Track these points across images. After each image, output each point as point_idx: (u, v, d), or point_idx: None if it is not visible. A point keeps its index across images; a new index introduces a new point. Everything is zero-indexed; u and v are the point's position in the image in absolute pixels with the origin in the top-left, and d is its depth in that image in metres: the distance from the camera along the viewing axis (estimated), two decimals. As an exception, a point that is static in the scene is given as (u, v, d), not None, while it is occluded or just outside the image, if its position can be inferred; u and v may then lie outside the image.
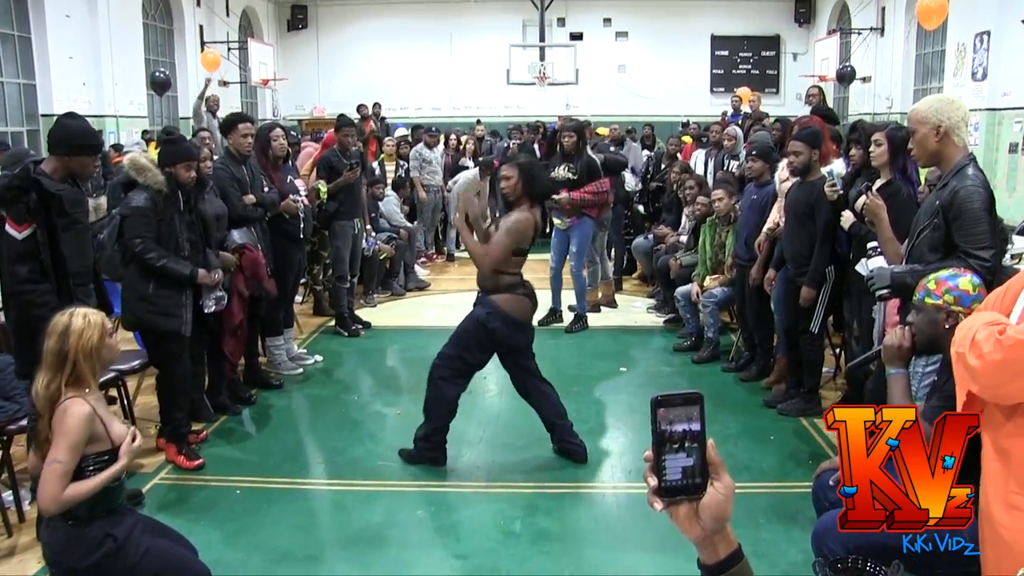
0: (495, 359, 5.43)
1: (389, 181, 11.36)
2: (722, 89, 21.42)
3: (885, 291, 4.05)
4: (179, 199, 5.36)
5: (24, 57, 13.45)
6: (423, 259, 12.38)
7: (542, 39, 20.85)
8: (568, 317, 8.87)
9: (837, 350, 7.00)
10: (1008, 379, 2.20)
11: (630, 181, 10.52)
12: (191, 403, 5.79)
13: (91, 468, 3.17)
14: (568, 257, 8.69)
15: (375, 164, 11.57)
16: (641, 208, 11.02)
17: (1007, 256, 5.68)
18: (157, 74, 15.86)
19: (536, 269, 9.74)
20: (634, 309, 9.67)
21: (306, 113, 22.09)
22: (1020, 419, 2.25)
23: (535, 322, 5.57)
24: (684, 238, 8.73)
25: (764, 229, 6.62)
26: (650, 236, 9.93)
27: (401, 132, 14.02)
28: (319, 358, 7.64)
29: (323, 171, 8.26)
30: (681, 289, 8.00)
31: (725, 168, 9.02)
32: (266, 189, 6.70)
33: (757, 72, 22.25)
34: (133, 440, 3.30)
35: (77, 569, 3.20)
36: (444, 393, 5.29)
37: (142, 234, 5.12)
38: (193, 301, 5.44)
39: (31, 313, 4.37)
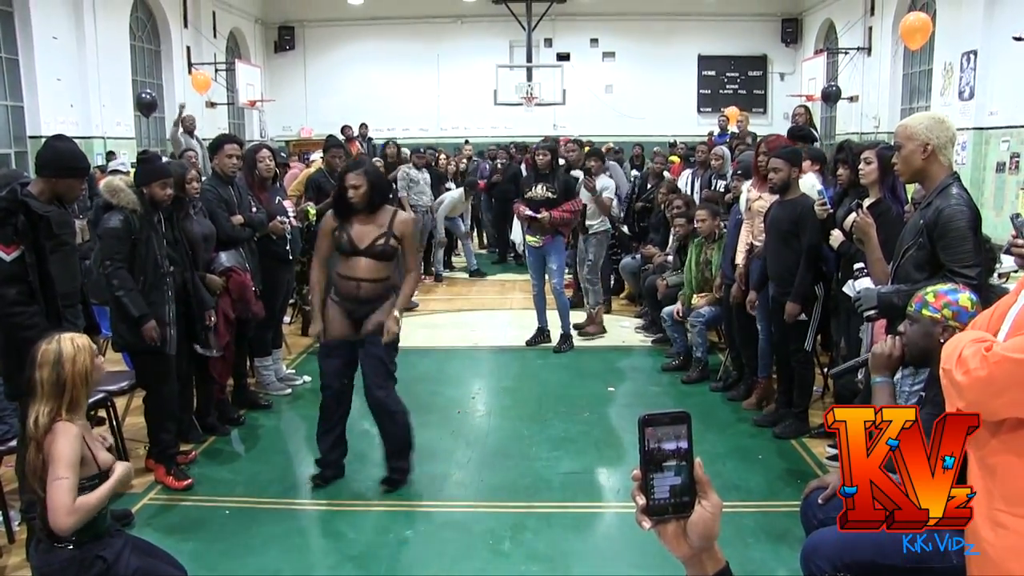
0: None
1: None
2: (709, 109, 21.55)
3: (872, 312, 4.07)
4: (157, 218, 5.37)
5: (11, 79, 13.46)
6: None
7: (529, 59, 20.98)
8: (555, 336, 8.87)
9: (825, 369, 7.00)
10: (994, 395, 2.21)
11: (613, 208, 10.42)
12: (180, 424, 5.78)
13: (84, 489, 3.17)
14: (548, 276, 8.73)
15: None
16: (626, 228, 11.00)
17: (994, 275, 5.68)
18: (143, 96, 15.88)
19: (526, 289, 9.79)
20: (622, 329, 9.67)
21: (293, 134, 22.11)
22: (1005, 436, 2.27)
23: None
24: (671, 258, 8.75)
25: (740, 248, 6.66)
26: (637, 256, 9.94)
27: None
28: (308, 378, 7.61)
29: (311, 192, 8.27)
30: (667, 309, 8.03)
31: (712, 188, 9.05)
32: (254, 209, 6.71)
33: (744, 92, 22.41)
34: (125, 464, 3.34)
35: (68, 591, 3.19)
36: (406, 417, 5.37)
37: (112, 256, 5.11)
38: (182, 323, 5.44)
39: (20, 335, 4.35)
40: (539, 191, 8.33)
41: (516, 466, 5.75)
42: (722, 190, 8.42)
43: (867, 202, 5.14)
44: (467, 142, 18.05)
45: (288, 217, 7.09)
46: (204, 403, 6.31)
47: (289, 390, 7.39)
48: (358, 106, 20.51)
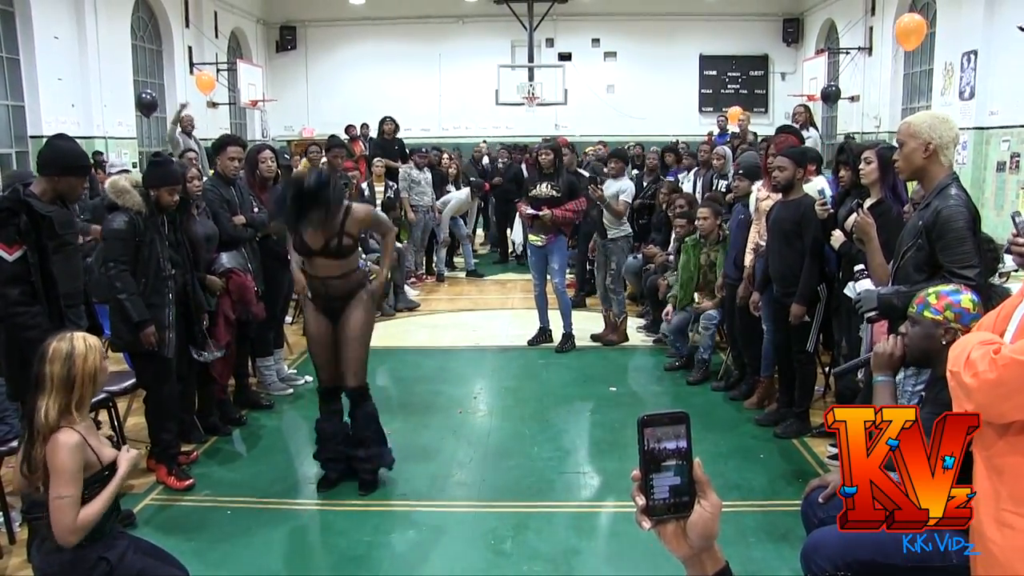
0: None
1: (378, 202, 11.36)
2: (711, 109, 21.49)
3: (873, 313, 4.07)
4: (161, 221, 5.38)
5: (13, 78, 13.46)
6: (412, 279, 12.36)
7: (531, 59, 20.97)
8: (557, 336, 8.87)
9: (827, 368, 7.00)
10: (1003, 398, 2.21)
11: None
12: (181, 424, 5.79)
13: (94, 487, 3.19)
14: (550, 275, 8.73)
15: (364, 185, 11.58)
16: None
17: (995, 275, 5.66)
18: (144, 95, 15.87)
19: (527, 289, 9.78)
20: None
21: (295, 134, 22.04)
22: (1013, 437, 2.26)
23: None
24: (673, 258, 8.74)
25: (748, 248, 6.65)
26: (639, 256, 9.93)
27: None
28: (309, 378, 7.60)
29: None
30: (665, 327, 8.05)
31: (714, 188, 9.04)
32: (255, 210, 6.72)
33: (745, 92, 22.38)
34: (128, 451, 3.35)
35: (70, 593, 3.19)
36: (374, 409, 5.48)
37: (116, 258, 5.11)
38: (181, 326, 5.45)
39: (22, 335, 4.37)
40: (544, 190, 8.34)
41: (518, 466, 5.76)
42: (723, 190, 8.42)
43: (868, 202, 5.13)
44: (484, 141, 18.04)
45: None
46: (205, 403, 6.32)
47: (291, 390, 7.40)
48: (360, 106, 20.45)
